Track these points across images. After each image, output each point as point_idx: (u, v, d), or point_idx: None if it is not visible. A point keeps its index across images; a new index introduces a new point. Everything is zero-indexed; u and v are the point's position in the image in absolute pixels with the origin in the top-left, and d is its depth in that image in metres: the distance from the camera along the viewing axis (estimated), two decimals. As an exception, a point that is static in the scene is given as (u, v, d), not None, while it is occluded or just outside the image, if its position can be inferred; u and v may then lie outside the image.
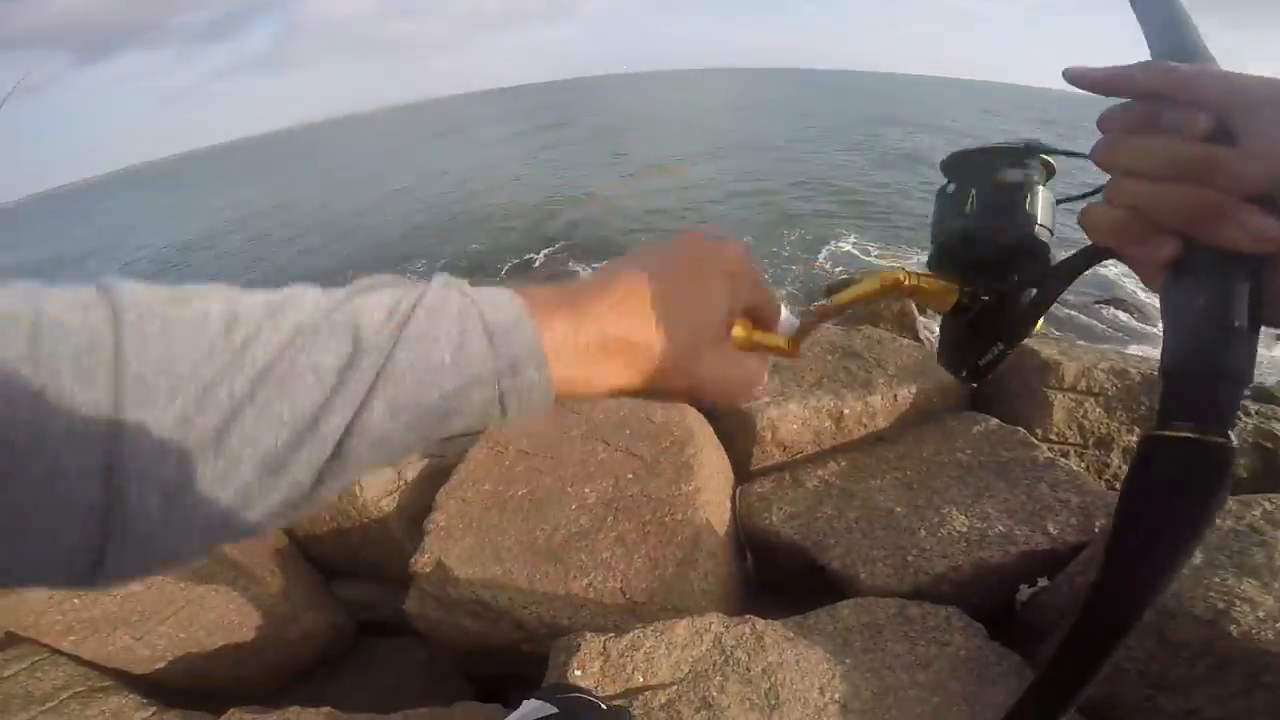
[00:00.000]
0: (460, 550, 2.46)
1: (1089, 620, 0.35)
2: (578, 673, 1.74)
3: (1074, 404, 3.04)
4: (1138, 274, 0.38)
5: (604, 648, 1.82)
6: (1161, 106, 0.36)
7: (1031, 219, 0.51)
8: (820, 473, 2.89)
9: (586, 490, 2.64)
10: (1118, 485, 2.78)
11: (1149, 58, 0.40)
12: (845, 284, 0.56)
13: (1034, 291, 0.52)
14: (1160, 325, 0.36)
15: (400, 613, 3.12)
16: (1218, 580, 1.63)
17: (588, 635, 1.88)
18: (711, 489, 2.66)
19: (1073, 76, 0.39)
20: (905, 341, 3.65)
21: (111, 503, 0.27)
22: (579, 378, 0.41)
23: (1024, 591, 2.23)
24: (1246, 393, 0.34)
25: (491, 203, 20.00)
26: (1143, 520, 0.33)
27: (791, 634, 1.90)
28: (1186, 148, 0.35)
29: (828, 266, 9.09)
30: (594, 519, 2.50)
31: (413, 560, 2.48)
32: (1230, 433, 0.31)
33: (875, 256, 11.21)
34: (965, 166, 0.56)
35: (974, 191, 0.53)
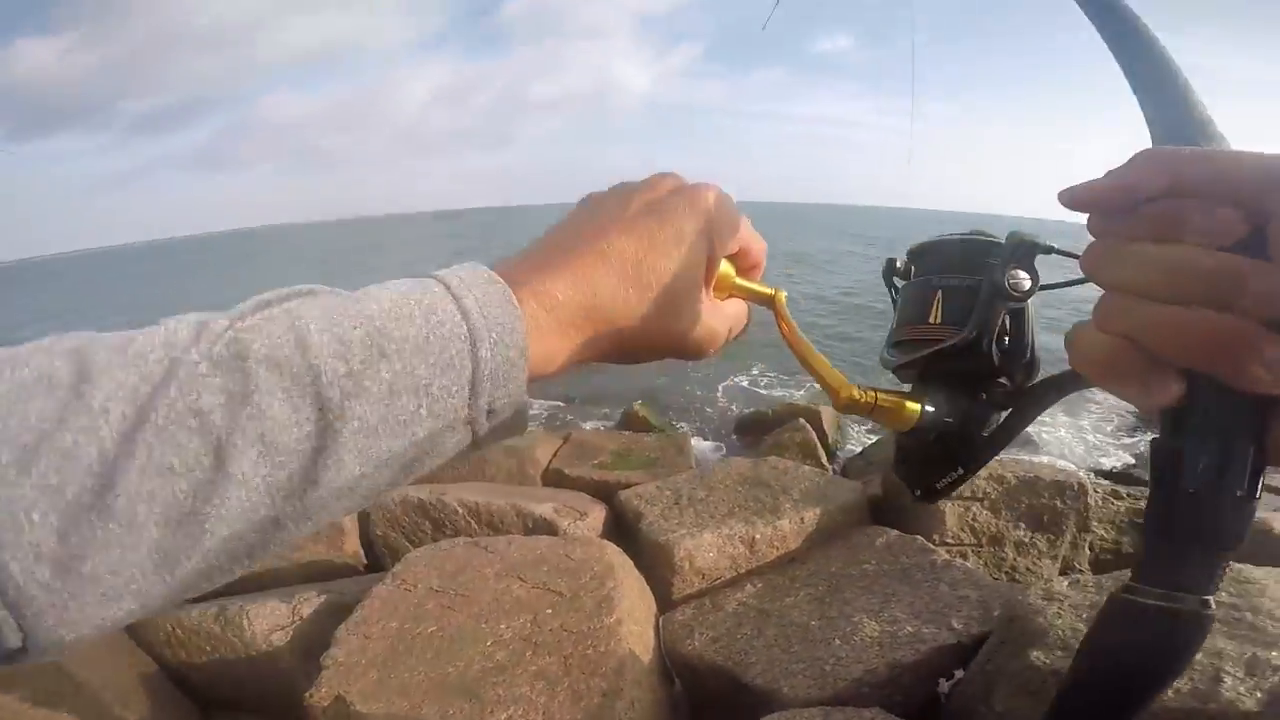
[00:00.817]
0: (363, 686, 2.28)
1: None
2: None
3: (963, 509, 3.35)
4: (1129, 401, 0.31)
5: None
6: (1185, 206, 0.28)
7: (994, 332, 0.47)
8: (738, 596, 2.98)
9: (502, 626, 2.54)
10: (1017, 577, 2.97)
11: (1149, 145, 0.33)
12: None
13: (1003, 415, 0.48)
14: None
15: None
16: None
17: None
18: (634, 619, 2.64)
19: (1070, 200, 0.32)
20: (807, 468, 3.97)
21: None
22: (550, 360, 0.40)
23: (944, 685, 2.33)
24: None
25: None
26: (1108, 683, 0.30)
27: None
28: (1205, 260, 0.27)
29: (724, 401, 9.45)
30: (512, 654, 2.40)
31: (308, 694, 2.28)
32: (1211, 599, 0.28)
33: (767, 390, 11.46)
34: (935, 260, 0.52)
35: (941, 293, 0.50)
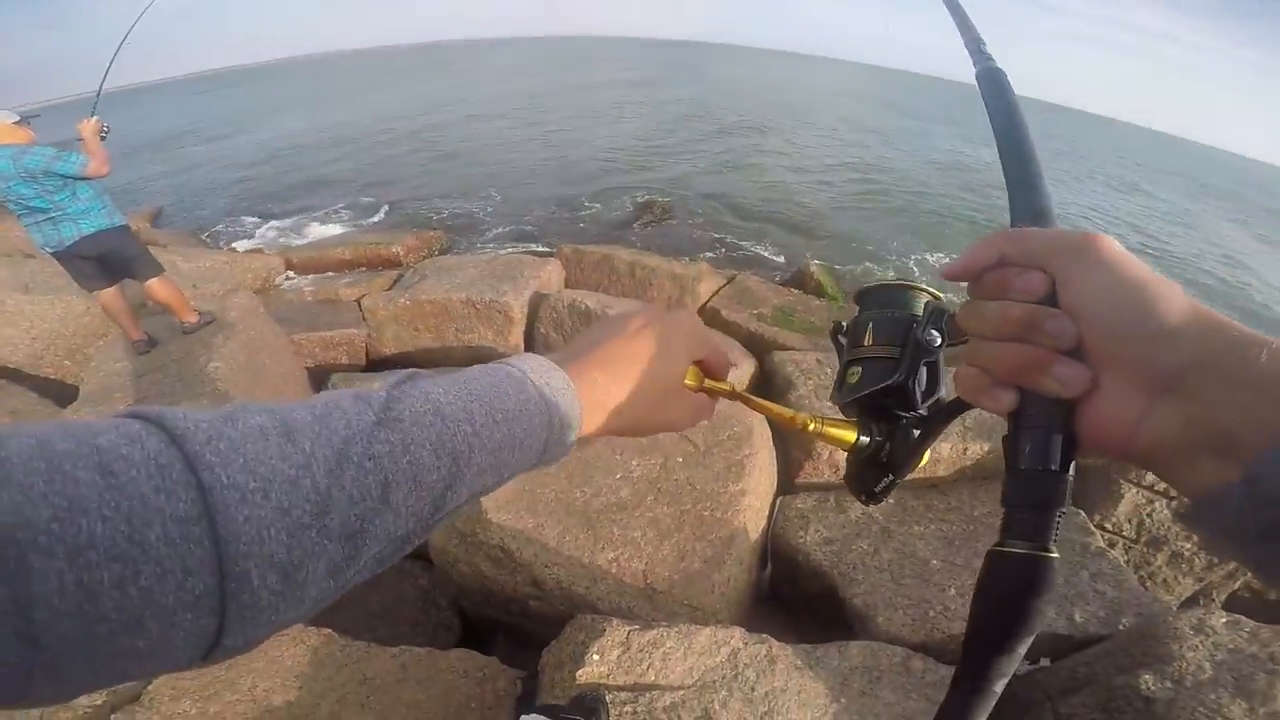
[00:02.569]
0: (501, 493, 2.48)
1: (952, 696, 0.40)
2: (595, 657, 1.79)
3: (1144, 501, 2.97)
4: (988, 411, 0.44)
5: (626, 638, 1.86)
6: (1008, 273, 0.42)
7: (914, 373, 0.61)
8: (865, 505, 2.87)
9: (634, 463, 2.65)
10: (1150, 585, 2.73)
11: (1009, 222, 0.48)
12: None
13: (916, 434, 0.61)
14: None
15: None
16: (1212, 698, 1.71)
17: (614, 622, 1.91)
18: (756, 493, 2.64)
19: (945, 274, 0.47)
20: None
21: (230, 590, 0.31)
22: (587, 427, 0.54)
23: (1022, 666, 2.24)
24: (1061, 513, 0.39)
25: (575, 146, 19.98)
26: (991, 615, 0.40)
27: (800, 662, 1.92)
28: (1015, 311, 0.41)
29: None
30: (635, 493, 2.52)
31: None
32: (1051, 547, 0.38)
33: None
34: (882, 301, 0.66)
35: (872, 324, 0.63)
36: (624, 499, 2.52)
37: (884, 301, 0.66)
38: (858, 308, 0.68)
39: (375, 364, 4.83)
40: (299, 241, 9.69)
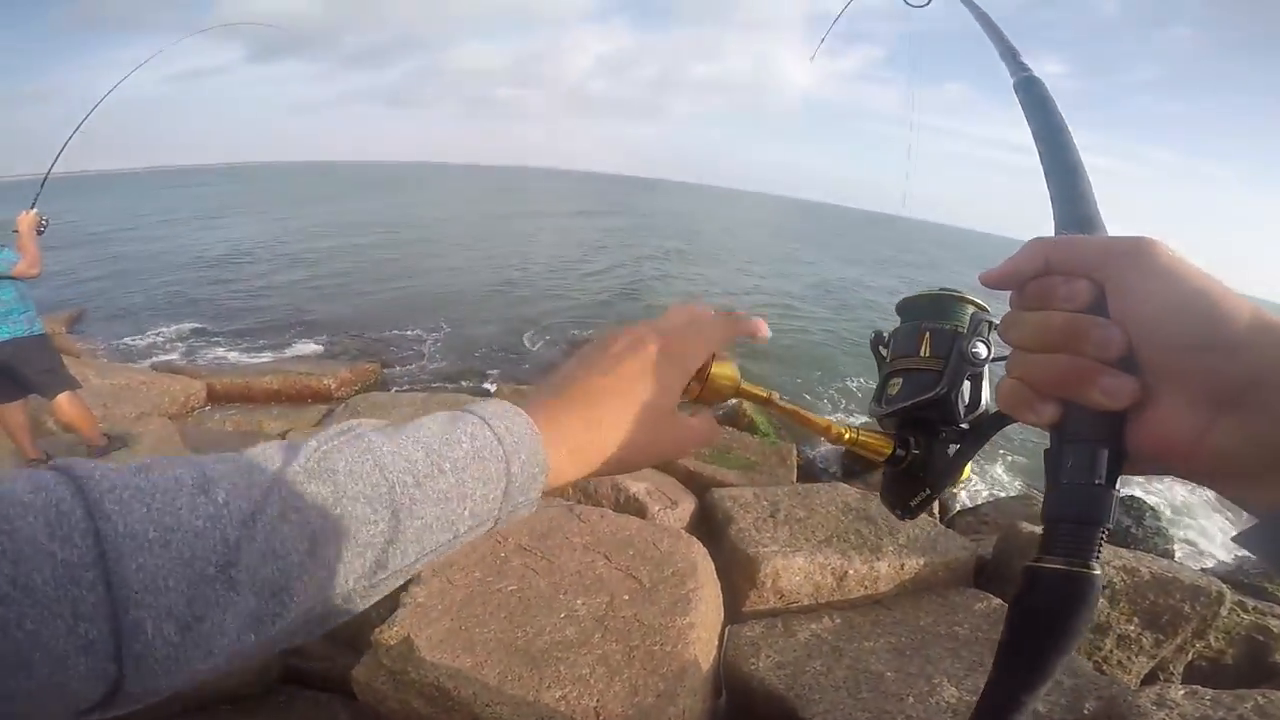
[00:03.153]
0: (434, 632, 2.37)
1: (981, 710, 0.40)
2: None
3: None
4: (1029, 424, 0.43)
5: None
6: (1052, 281, 0.40)
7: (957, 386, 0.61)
8: (813, 626, 2.85)
9: (579, 602, 2.58)
10: (1105, 669, 2.77)
11: (1052, 232, 0.47)
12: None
13: (954, 448, 0.61)
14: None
15: (335, 670, 2.94)
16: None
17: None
18: (704, 625, 2.59)
19: (984, 281, 0.45)
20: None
21: (124, 637, 0.30)
22: (561, 474, 0.50)
23: None
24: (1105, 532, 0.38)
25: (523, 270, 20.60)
26: (1026, 631, 0.39)
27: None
28: (1057, 320, 0.39)
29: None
30: (581, 632, 2.43)
31: (378, 630, 2.39)
32: (1093, 564, 0.37)
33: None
34: (925, 311, 0.65)
35: (929, 333, 0.63)
36: (570, 637, 2.41)
37: (927, 312, 0.65)
38: (899, 318, 0.68)
39: None
40: (225, 363, 9.27)
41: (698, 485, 4.62)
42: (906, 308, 0.68)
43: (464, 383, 8.99)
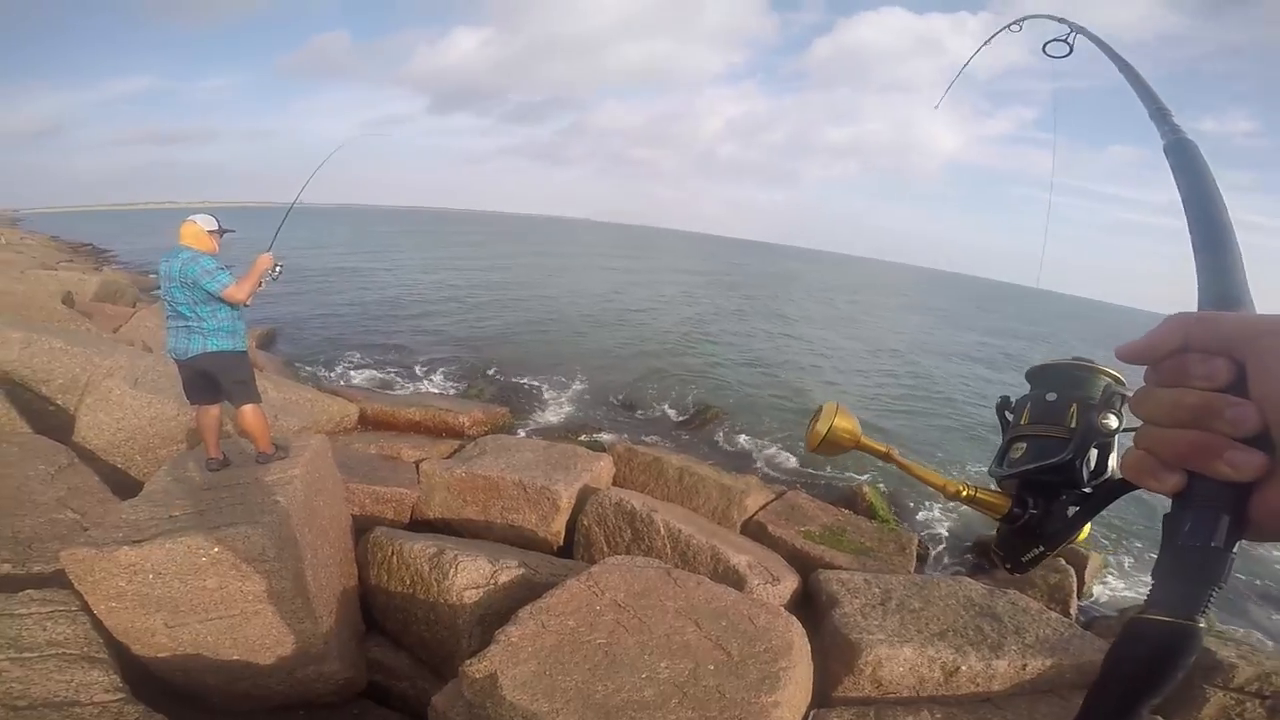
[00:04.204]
0: (519, 673, 2.42)
1: None
2: None
3: (1233, 703, 2.80)
4: (1153, 491, 0.43)
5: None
6: (1189, 359, 0.41)
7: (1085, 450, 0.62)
8: (908, 719, 2.66)
9: (663, 665, 2.54)
10: None
11: (1196, 305, 0.46)
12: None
13: (1073, 510, 0.61)
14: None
15: (416, 693, 3.01)
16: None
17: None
18: (790, 705, 2.47)
19: (1119, 355, 0.46)
20: (1054, 614, 3.44)
21: None
22: None
23: None
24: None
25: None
26: (1118, 676, 0.40)
27: None
28: (1190, 399, 0.40)
29: (963, 513, 8.28)
30: (659, 695, 2.39)
31: (468, 662, 2.48)
32: (1198, 618, 0.38)
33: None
34: (1058, 381, 0.67)
35: (1075, 409, 0.63)
36: (647, 699, 2.38)
37: (1059, 381, 0.67)
38: (1029, 384, 0.70)
39: (418, 524, 4.88)
40: (377, 391, 10.17)
41: (804, 564, 4.46)
42: (1039, 376, 0.69)
43: (583, 435, 9.25)
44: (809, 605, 3.66)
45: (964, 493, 0.65)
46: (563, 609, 2.83)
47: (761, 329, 24.16)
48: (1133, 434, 0.45)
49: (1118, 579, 6.59)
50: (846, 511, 5.86)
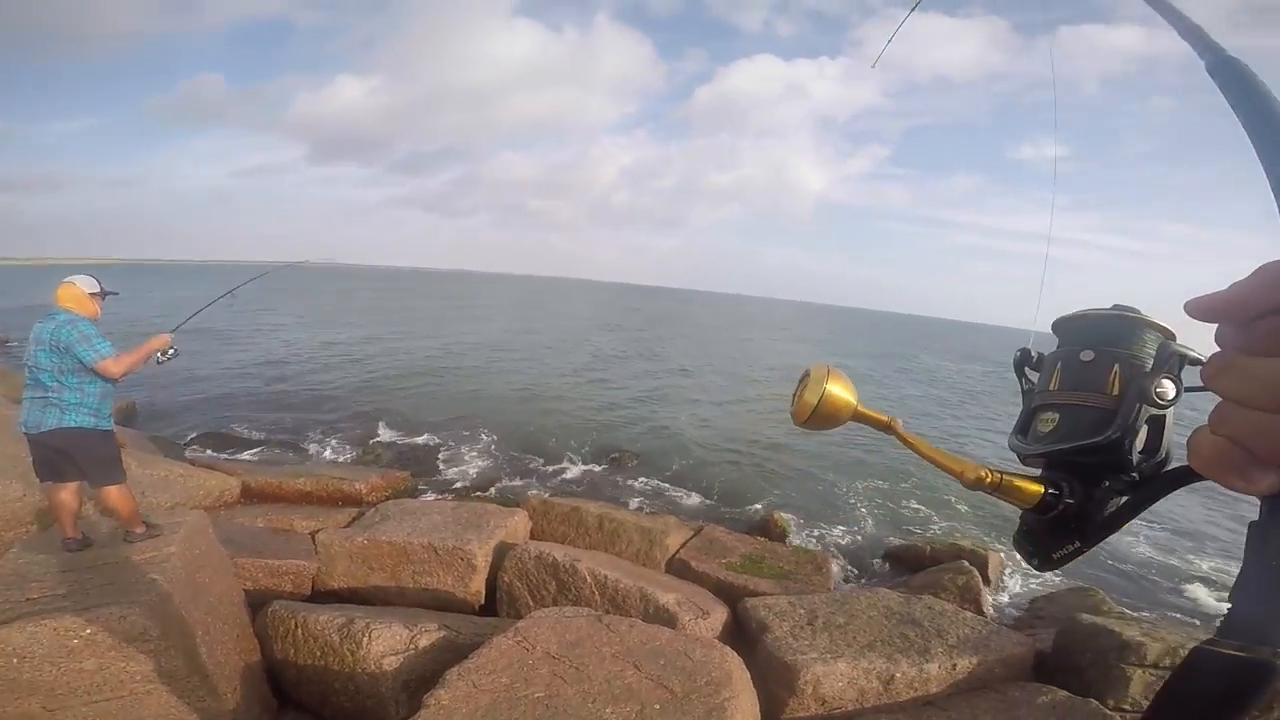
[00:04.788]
0: None
1: None
2: None
3: (1154, 679, 2.96)
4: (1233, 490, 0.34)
5: None
6: None
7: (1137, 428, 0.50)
8: (859, 732, 2.70)
9: (608, 711, 2.46)
10: None
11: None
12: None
13: (1121, 500, 0.50)
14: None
15: None
16: None
17: None
18: (741, 735, 2.44)
19: (1194, 310, 0.33)
20: (969, 614, 3.63)
21: None
22: None
23: None
24: None
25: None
26: (1175, 713, 0.34)
27: None
28: None
29: (871, 527, 8.69)
30: (610, 744, 2.31)
31: None
32: None
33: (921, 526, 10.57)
34: (1096, 335, 0.54)
35: (1117, 372, 0.51)
36: (597, 751, 2.28)
37: (1099, 336, 0.53)
38: (1058, 339, 0.57)
39: (320, 595, 4.53)
40: (260, 462, 9.28)
41: (730, 595, 4.49)
42: (1070, 328, 0.56)
43: (493, 489, 8.95)
44: (741, 634, 3.67)
45: (988, 479, 0.50)
46: (493, 667, 2.69)
47: (655, 369, 24.60)
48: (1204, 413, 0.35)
49: (1022, 573, 7.04)
50: (762, 539, 6.04)
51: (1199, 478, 0.39)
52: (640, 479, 10.49)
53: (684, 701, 2.53)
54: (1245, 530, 0.34)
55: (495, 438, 12.52)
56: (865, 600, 3.67)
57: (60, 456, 3.26)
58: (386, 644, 3.09)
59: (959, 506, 9.64)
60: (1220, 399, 0.33)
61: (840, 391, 0.53)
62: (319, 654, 3.19)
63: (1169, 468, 0.50)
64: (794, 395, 0.58)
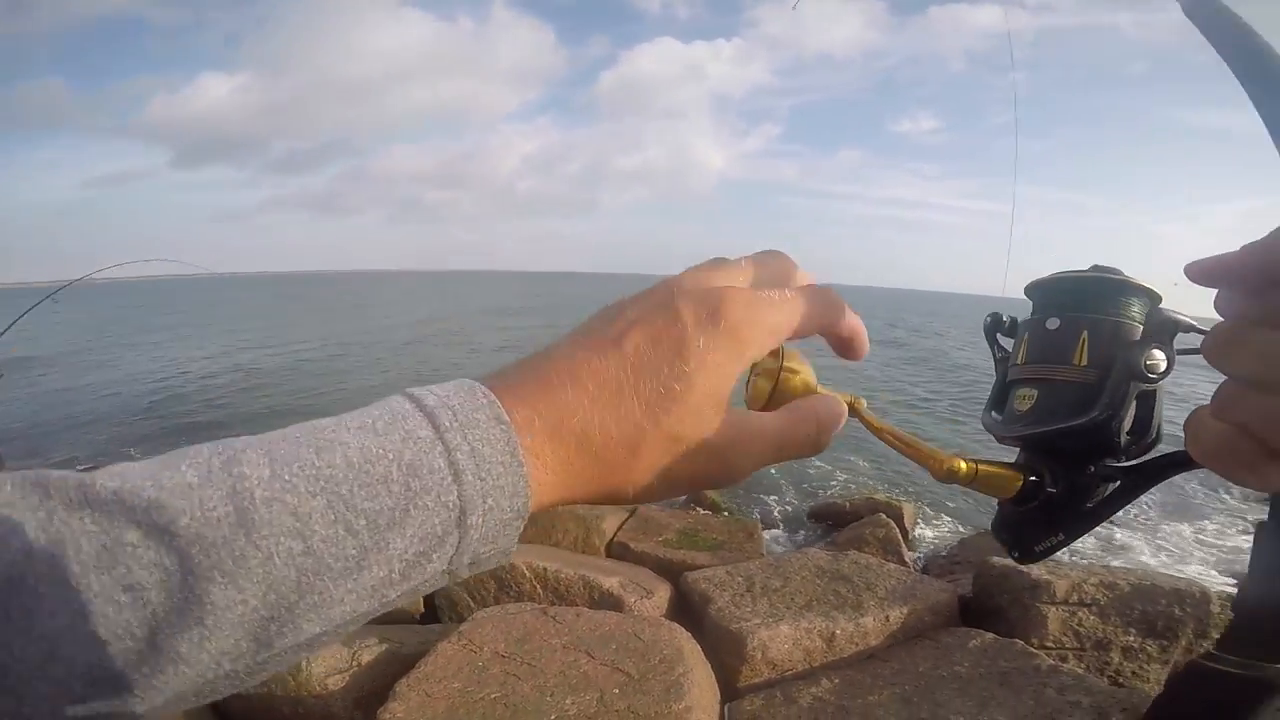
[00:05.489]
0: None
1: None
2: None
3: (1068, 614, 3.20)
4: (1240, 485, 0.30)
5: None
6: None
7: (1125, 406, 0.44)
8: (813, 690, 2.82)
9: (568, 701, 2.47)
10: (1120, 681, 2.80)
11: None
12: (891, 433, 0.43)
13: (1110, 488, 0.46)
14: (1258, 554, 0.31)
15: None
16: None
17: None
18: (701, 707, 2.52)
19: (1197, 273, 0.29)
20: (892, 565, 3.85)
21: None
22: (539, 504, 0.33)
23: None
24: None
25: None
26: None
27: None
28: None
29: (791, 490, 8.96)
30: (574, 733, 2.32)
31: None
32: None
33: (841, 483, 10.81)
34: (1076, 298, 0.47)
35: (1087, 332, 0.45)
36: (564, 737, 2.29)
37: (1077, 299, 0.46)
38: (1032, 303, 0.50)
39: None
40: None
41: (670, 571, 4.56)
42: (1047, 290, 0.49)
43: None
44: (686, 608, 3.74)
45: (963, 469, 0.43)
46: (442, 674, 2.64)
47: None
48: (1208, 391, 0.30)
49: (933, 523, 7.50)
50: (694, 511, 6.18)
51: (1194, 466, 0.35)
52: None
53: (641, 682, 2.57)
54: (1244, 520, 0.30)
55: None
56: (797, 562, 3.81)
57: None
58: (328, 664, 2.98)
59: (859, 462, 10.11)
60: (1225, 378, 0.29)
61: (798, 371, 0.43)
62: (262, 684, 3.02)
63: (1162, 452, 0.45)
64: (746, 381, 0.46)
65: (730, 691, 2.93)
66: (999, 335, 0.53)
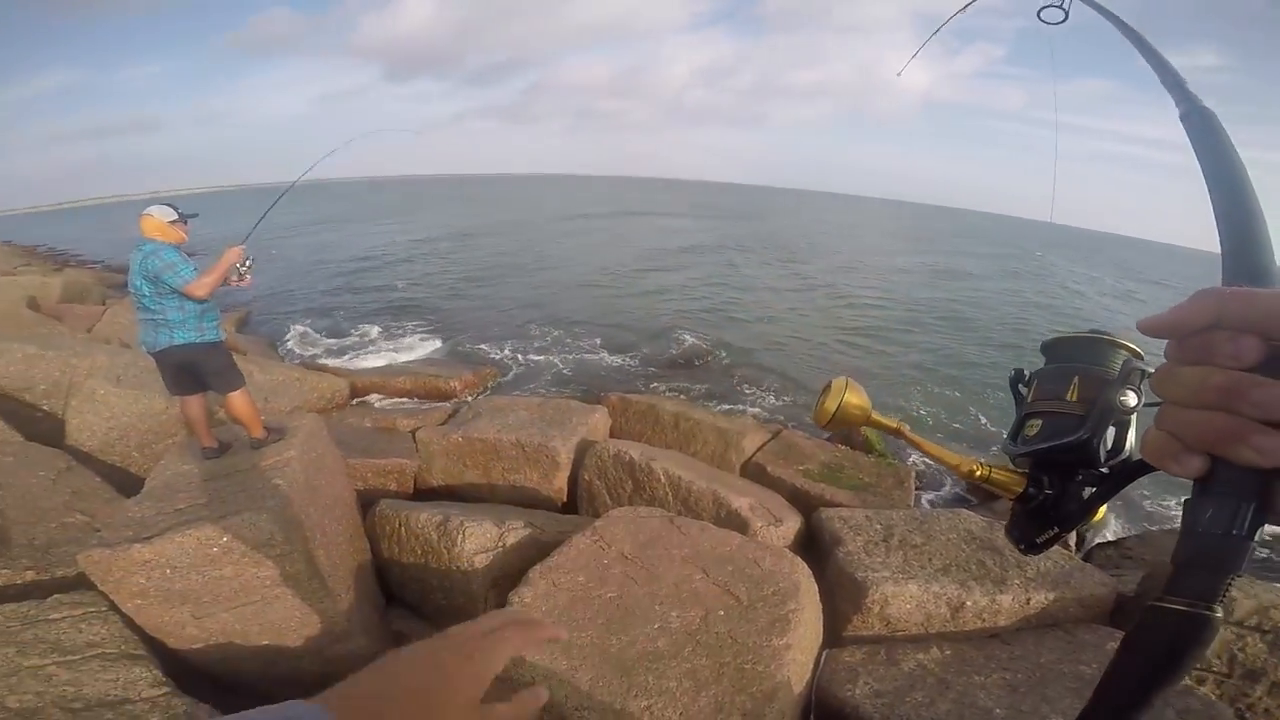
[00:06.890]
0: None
1: None
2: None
3: (1234, 637, 2.78)
4: (1173, 475, 0.42)
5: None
6: (1217, 337, 0.38)
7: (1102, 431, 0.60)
8: (919, 656, 2.72)
9: (674, 614, 2.59)
10: (1247, 716, 2.48)
11: (1220, 283, 0.43)
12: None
13: (1089, 490, 0.61)
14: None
15: None
16: None
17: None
18: (801, 648, 2.53)
19: (1144, 329, 0.43)
20: (1056, 547, 3.50)
21: None
22: None
23: None
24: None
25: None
26: (1133, 663, 0.40)
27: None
28: (1216, 379, 0.38)
29: (964, 448, 8.15)
30: (673, 644, 2.44)
31: None
32: (1216, 606, 0.38)
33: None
34: (1075, 354, 0.65)
35: (1077, 383, 0.62)
36: (660, 649, 2.43)
37: (1076, 355, 0.65)
38: (1044, 357, 0.69)
39: (423, 493, 4.91)
40: (365, 362, 10.20)
41: (805, 503, 4.52)
42: (1054, 348, 0.68)
43: (574, 387, 9.27)
44: (813, 545, 3.70)
45: (978, 472, 0.65)
46: (571, 566, 2.86)
47: (745, 270, 24.07)
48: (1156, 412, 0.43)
49: (1116, 510, 6.73)
50: (843, 448, 5.93)
51: (1151, 468, 0.47)
52: (717, 376, 10.44)
53: (749, 610, 2.62)
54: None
55: (574, 335, 12.86)
56: (946, 521, 3.58)
57: (181, 371, 3.59)
58: (478, 542, 3.33)
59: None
60: (1163, 401, 0.42)
61: (856, 402, 0.71)
62: (419, 552, 3.48)
63: (1128, 461, 0.60)
64: (818, 401, 0.77)
65: (833, 638, 2.91)
66: (1020, 385, 0.70)
